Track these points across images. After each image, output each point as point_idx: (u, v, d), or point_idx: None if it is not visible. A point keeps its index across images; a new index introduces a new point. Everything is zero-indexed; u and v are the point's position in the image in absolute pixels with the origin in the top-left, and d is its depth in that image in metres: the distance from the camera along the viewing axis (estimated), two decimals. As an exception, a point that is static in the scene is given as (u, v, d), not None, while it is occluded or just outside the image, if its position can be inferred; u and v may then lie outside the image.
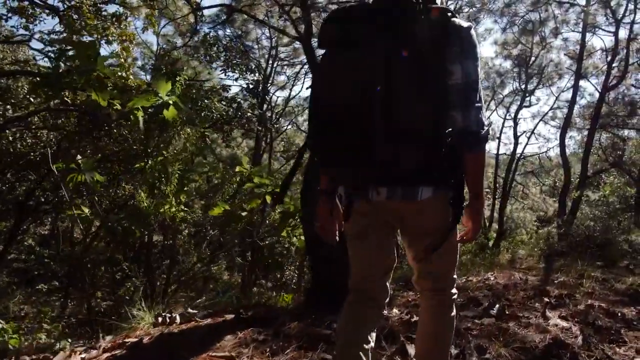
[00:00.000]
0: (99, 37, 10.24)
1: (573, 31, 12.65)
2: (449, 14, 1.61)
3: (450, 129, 1.57)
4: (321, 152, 1.62)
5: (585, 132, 12.55)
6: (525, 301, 3.70)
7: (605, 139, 14.95)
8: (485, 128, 1.60)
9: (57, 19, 9.46)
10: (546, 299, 3.71)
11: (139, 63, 13.81)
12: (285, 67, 14.05)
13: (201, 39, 10.73)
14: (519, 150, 16.49)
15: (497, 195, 16.36)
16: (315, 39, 9.53)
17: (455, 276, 1.89)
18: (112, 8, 9.51)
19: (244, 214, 4.86)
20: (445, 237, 1.69)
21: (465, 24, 1.60)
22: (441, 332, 1.90)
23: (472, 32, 1.61)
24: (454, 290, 1.90)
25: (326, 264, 3.43)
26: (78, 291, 9.56)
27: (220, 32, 10.66)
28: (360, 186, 1.68)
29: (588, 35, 12.38)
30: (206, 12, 9.39)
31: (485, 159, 1.82)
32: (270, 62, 13.93)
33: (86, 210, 5.60)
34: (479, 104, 1.60)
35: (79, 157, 5.40)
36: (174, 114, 4.25)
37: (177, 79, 5.32)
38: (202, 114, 9.78)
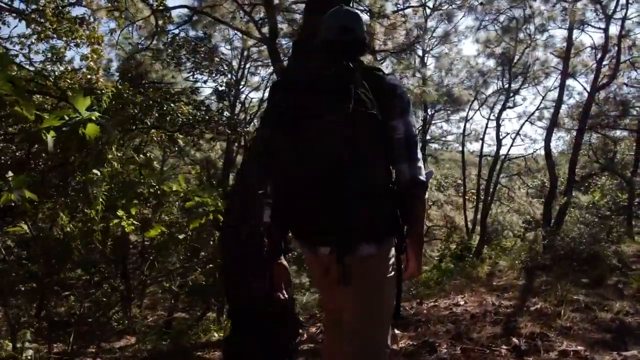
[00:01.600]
0: (68, 39, 9.83)
1: (560, 28, 12.13)
2: (381, 73, 1.80)
3: (395, 181, 1.74)
4: (285, 223, 1.81)
5: (574, 133, 12.02)
6: (490, 343, 3.19)
7: (596, 139, 14.49)
8: (426, 177, 1.75)
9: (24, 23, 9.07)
10: (514, 340, 3.20)
11: (115, 65, 13.28)
12: (260, 67, 13.51)
13: (169, 41, 10.24)
14: (503, 151, 16.01)
15: (480, 198, 15.86)
16: (281, 39, 9.07)
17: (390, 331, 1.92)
18: (77, 11, 9.08)
19: (181, 236, 4.35)
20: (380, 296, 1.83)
21: (396, 81, 1.81)
22: None
23: (404, 89, 1.80)
24: (388, 350, 1.89)
25: (250, 308, 2.90)
26: (54, 293, 9.24)
27: (189, 34, 10.15)
28: (312, 243, 1.83)
29: (576, 32, 11.91)
30: (172, 13, 8.79)
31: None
32: (243, 63, 13.44)
33: (24, 227, 5.13)
34: (420, 156, 1.76)
35: (10, 173, 4.80)
36: (95, 131, 3.72)
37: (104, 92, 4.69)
38: (168, 118, 9.38)
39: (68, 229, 3.81)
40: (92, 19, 9.73)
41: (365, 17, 8.42)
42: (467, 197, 18.36)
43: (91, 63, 10.89)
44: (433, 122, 18.03)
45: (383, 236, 1.77)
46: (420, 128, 17.30)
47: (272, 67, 13.65)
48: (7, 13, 9.56)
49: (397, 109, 1.72)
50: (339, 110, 1.60)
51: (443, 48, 15.09)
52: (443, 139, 19.80)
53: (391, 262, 1.82)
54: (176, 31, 9.98)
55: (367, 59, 7.77)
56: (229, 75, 11.41)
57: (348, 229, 1.64)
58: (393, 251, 1.82)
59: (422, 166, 1.76)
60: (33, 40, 10.00)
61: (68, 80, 9.76)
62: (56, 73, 10.13)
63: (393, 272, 1.82)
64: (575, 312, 4.01)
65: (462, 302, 4.58)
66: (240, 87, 13.45)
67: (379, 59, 10.18)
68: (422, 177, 1.73)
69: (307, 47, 3.25)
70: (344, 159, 1.59)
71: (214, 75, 10.58)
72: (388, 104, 1.71)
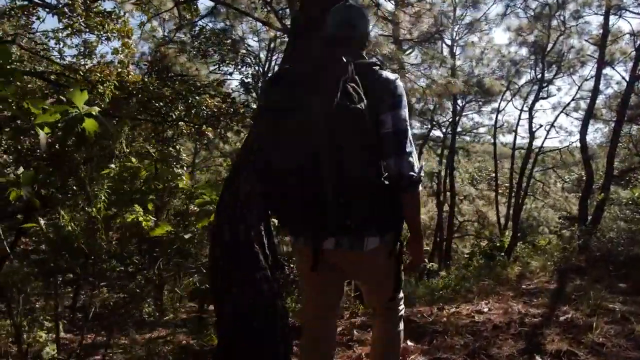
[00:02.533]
0: (100, 33, 9.90)
1: (595, 14, 11.53)
2: (377, 67, 1.84)
3: (386, 175, 1.73)
4: (279, 213, 1.86)
5: (613, 125, 11.45)
6: (511, 362, 2.96)
7: (636, 131, 13.80)
8: (417, 171, 1.77)
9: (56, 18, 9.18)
10: (538, 360, 2.95)
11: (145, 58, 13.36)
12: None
13: (196, 33, 10.21)
14: (537, 143, 15.43)
15: (513, 192, 15.34)
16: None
17: (401, 294, 2.15)
18: (108, 5, 9.13)
19: (187, 236, 4.24)
20: (390, 280, 2.01)
21: (392, 76, 1.82)
22: (390, 345, 2.17)
23: (399, 82, 1.82)
24: (401, 307, 2.17)
25: (234, 323, 2.71)
26: (89, 284, 9.50)
27: (216, 26, 10.07)
28: (311, 238, 1.85)
29: (613, 18, 11.34)
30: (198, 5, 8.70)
31: (420, 199, 1.90)
32: (269, 54, 13.35)
33: (42, 222, 5.14)
34: (410, 149, 1.77)
35: (21, 169, 4.78)
36: (94, 126, 3.63)
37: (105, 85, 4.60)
38: (194, 111, 9.38)
39: (69, 228, 3.74)
40: (122, 13, 9.78)
41: (389, 5, 8.10)
42: (499, 192, 17.85)
43: (121, 56, 10.97)
44: (464, 113, 17.56)
45: (384, 229, 1.83)
46: (450, 120, 16.89)
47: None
48: (40, 8, 9.66)
49: (387, 102, 1.75)
50: (324, 104, 1.59)
51: (472, 37, 14.62)
52: (474, 131, 19.28)
53: (386, 257, 1.91)
54: (202, 23, 9.92)
55: (389, 48, 7.51)
56: (256, 67, 11.30)
57: (354, 220, 1.69)
58: (388, 247, 1.90)
59: (413, 160, 1.76)
60: (65, 35, 10.12)
61: (98, 74, 9.83)
62: (87, 67, 10.21)
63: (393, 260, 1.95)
64: (610, 324, 3.68)
65: (485, 309, 4.33)
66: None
67: (405, 48, 9.89)
68: (411, 172, 1.74)
69: (306, 37, 3.08)
70: (320, 152, 1.61)
71: (239, 67, 10.48)
72: (379, 98, 1.73)
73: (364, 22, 1.99)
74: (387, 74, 1.82)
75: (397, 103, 1.77)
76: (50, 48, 9.85)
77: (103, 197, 3.96)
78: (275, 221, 3.33)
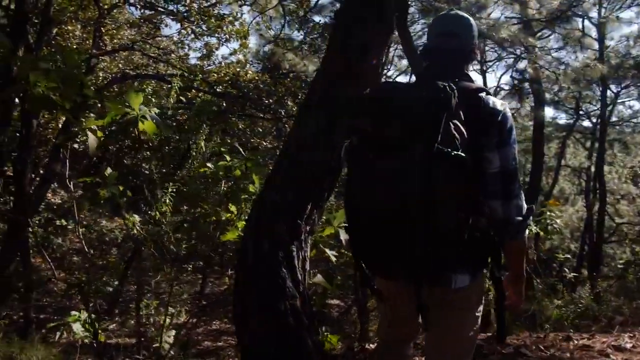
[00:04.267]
0: (219, 36, 10.32)
1: None
2: (483, 94, 1.61)
3: (489, 220, 1.61)
4: (364, 257, 1.68)
5: None
6: None
7: None
8: (525, 215, 1.62)
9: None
10: None
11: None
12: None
13: (309, 30, 10.15)
14: None
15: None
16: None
17: None
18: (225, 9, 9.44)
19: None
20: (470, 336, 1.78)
21: (499, 104, 1.61)
22: None
23: (508, 113, 1.62)
24: None
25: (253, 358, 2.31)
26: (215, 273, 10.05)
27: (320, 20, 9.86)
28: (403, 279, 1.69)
29: None
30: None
31: (526, 243, 1.74)
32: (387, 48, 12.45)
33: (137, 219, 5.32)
34: (518, 191, 1.61)
35: (109, 170, 4.90)
36: (152, 128, 3.51)
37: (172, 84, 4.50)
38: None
39: (134, 232, 3.68)
40: (238, 14, 10.02)
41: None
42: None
43: (240, 56, 11.27)
44: (619, 100, 15.22)
45: (476, 269, 1.70)
46: (598, 110, 14.77)
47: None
48: (164, 16, 10.26)
49: (494, 139, 1.57)
50: (419, 146, 1.44)
51: (628, 12, 12.48)
52: (634, 120, 16.67)
53: (479, 295, 1.78)
54: (317, 19, 9.78)
55: (509, 31, 6.56)
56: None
57: (433, 261, 1.52)
58: (482, 284, 1.82)
59: (522, 203, 1.62)
60: (190, 39, 10.66)
61: (215, 75, 10.17)
62: (207, 68, 10.61)
63: (481, 308, 1.79)
64: None
65: (628, 345, 3.43)
66: (385, 71, 12.82)
67: (536, 30, 8.73)
68: (518, 216, 1.60)
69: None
70: (409, 200, 1.46)
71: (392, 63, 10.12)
72: (484, 132, 1.56)
73: (467, 31, 1.75)
74: (495, 102, 1.61)
75: (506, 139, 1.58)
76: (175, 52, 10.44)
77: (168, 200, 3.91)
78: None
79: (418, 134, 1.45)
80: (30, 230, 8.16)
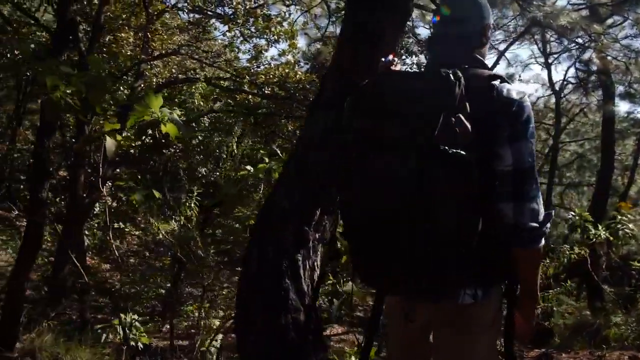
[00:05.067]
0: (268, 37, 10.33)
1: None
2: (497, 81, 1.44)
3: (500, 225, 1.41)
4: (364, 266, 1.52)
5: None
6: None
7: None
8: (541, 221, 1.40)
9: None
10: None
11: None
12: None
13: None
14: None
15: None
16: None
17: None
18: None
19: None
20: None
21: (516, 94, 1.42)
22: None
23: (526, 103, 1.43)
24: None
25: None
26: None
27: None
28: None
29: None
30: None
31: (541, 255, 1.51)
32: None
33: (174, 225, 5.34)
34: (534, 193, 1.41)
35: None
36: (174, 130, 3.44)
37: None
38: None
39: (160, 236, 3.63)
40: (287, 15, 9.95)
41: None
42: None
43: (289, 57, 11.21)
44: None
45: (487, 282, 1.49)
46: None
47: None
48: (214, 19, 10.35)
49: (507, 131, 1.38)
50: (416, 144, 1.28)
51: None
52: None
53: (494, 315, 1.54)
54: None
55: (570, 17, 6.02)
56: (420, 55, 10.44)
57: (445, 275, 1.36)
58: (498, 302, 1.56)
59: (538, 207, 1.41)
60: (239, 41, 10.70)
61: (262, 76, 10.15)
62: (255, 70, 10.63)
63: (496, 328, 1.57)
64: None
65: None
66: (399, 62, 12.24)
67: (604, 17, 8.05)
68: (533, 222, 1.39)
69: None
70: (402, 203, 1.30)
71: (402, 57, 9.79)
72: (496, 125, 1.38)
73: (478, 13, 1.57)
74: (510, 90, 1.42)
75: (521, 132, 1.40)
76: (223, 55, 10.50)
77: (193, 205, 3.82)
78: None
79: (418, 130, 1.30)
80: (86, 233, 8.43)
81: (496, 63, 9.31)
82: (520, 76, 13.49)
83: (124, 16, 9.23)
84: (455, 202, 1.31)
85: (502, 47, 10.02)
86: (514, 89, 1.44)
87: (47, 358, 5.57)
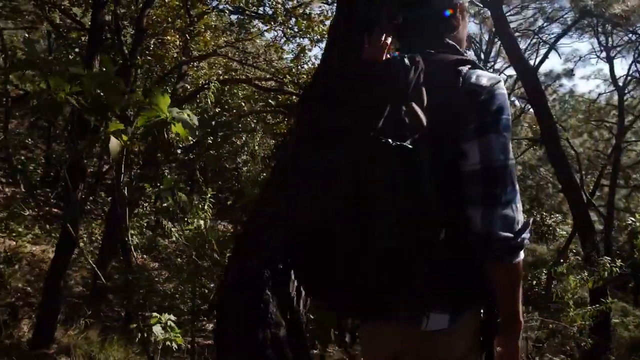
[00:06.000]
0: (311, 37, 10.27)
1: None
2: (466, 67, 1.23)
3: (469, 233, 1.18)
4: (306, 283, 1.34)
5: None
6: None
7: None
8: (517, 230, 1.16)
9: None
10: None
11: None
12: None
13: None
14: None
15: None
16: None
17: None
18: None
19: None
20: None
21: (486, 79, 1.20)
22: None
23: (498, 91, 1.20)
24: None
25: None
26: None
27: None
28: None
29: None
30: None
31: (521, 271, 1.23)
32: (493, 36, 11.41)
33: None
34: (508, 196, 1.17)
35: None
36: (182, 130, 3.36)
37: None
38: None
39: (174, 238, 3.58)
40: (329, 13, 9.83)
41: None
42: None
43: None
44: None
45: (459, 305, 1.26)
46: None
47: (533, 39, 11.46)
48: (256, 21, 10.39)
49: (474, 123, 1.17)
50: (355, 136, 1.14)
51: None
52: None
53: (469, 345, 1.30)
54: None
55: (627, 5, 5.51)
56: (468, 52, 10.06)
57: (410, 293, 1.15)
58: (474, 330, 1.30)
59: (513, 213, 1.17)
60: (283, 41, 10.67)
61: (304, 76, 10.07)
62: (298, 70, 10.58)
63: None
64: None
65: None
66: (490, 60, 11.75)
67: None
68: (507, 232, 1.16)
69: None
70: (337, 207, 1.14)
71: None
72: (461, 117, 1.18)
73: None
74: (480, 77, 1.20)
75: (491, 124, 1.18)
76: (265, 55, 10.47)
77: (207, 207, 3.73)
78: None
79: (362, 120, 1.15)
80: (131, 232, 8.63)
81: (545, 57, 8.74)
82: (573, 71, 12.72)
83: (169, 19, 9.38)
84: (401, 206, 1.11)
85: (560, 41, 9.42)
86: (486, 75, 1.23)
87: (81, 356, 5.69)
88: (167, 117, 3.28)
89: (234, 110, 8.88)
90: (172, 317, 4.37)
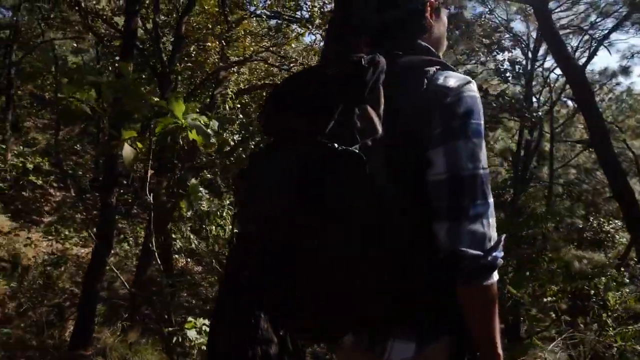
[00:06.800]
0: None
1: None
2: (433, 68, 1.11)
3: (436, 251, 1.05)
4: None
5: None
6: None
7: None
8: (488, 248, 1.03)
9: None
10: None
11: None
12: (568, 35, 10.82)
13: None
14: None
15: None
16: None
17: None
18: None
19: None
20: None
21: (453, 81, 1.09)
22: None
23: (466, 94, 1.08)
24: None
25: None
26: None
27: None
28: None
29: None
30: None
31: (495, 295, 1.09)
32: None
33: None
34: (479, 210, 1.04)
35: (192, 180, 4.92)
36: (199, 137, 3.35)
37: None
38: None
39: (192, 246, 3.53)
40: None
41: None
42: None
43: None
44: None
45: (426, 334, 1.10)
46: None
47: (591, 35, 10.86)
48: (294, 25, 10.41)
49: (439, 128, 1.06)
50: (303, 141, 1.03)
51: None
52: None
53: None
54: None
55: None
56: (513, 51, 9.66)
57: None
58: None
59: (484, 228, 1.04)
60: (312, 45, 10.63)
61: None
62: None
63: None
64: None
65: None
66: (539, 59, 11.26)
67: None
68: (477, 250, 1.02)
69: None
70: (293, 219, 1.01)
71: (493, 53, 9.08)
72: (425, 122, 1.06)
73: None
74: (448, 78, 1.09)
75: (458, 129, 1.06)
76: (301, 59, 10.45)
77: (225, 214, 3.67)
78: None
79: (310, 123, 1.03)
80: (174, 236, 8.77)
81: (594, 54, 8.25)
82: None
83: (209, 25, 9.51)
84: (347, 219, 0.99)
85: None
86: (455, 76, 1.11)
87: (116, 358, 5.81)
88: (182, 124, 3.26)
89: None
90: (207, 322, 4.36)
